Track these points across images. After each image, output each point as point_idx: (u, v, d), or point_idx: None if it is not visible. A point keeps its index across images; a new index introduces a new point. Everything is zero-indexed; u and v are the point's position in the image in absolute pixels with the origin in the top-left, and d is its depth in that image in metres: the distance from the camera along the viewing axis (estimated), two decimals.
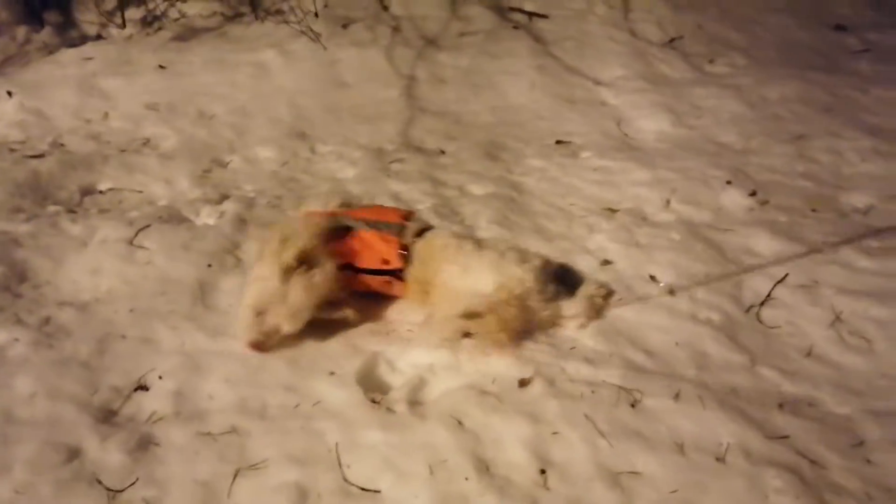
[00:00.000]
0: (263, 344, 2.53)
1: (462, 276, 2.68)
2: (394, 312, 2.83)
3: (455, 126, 4.81)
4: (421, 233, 2.86)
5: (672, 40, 5.65)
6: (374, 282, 2.82)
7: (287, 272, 2.53)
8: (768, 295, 2.87)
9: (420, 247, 2.79)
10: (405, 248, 2.78)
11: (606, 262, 3.13)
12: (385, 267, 2.77)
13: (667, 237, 3.24)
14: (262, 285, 2.54)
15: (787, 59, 5.35)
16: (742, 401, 2.31)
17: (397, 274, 2.77)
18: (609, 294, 2.86)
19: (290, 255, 2.53)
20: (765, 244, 3.19)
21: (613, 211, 3.57)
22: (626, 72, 5.21)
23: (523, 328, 2.60)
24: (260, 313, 2.52)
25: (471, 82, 5.24)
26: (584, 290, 2.80)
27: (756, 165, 3.90)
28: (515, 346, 2.54)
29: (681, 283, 2.91)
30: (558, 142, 4.49)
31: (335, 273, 2.63)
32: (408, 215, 2.96)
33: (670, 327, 2.68)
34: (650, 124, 4.56)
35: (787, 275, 2.95)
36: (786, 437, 2.15)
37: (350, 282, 2.76)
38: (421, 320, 2.71)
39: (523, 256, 2.76)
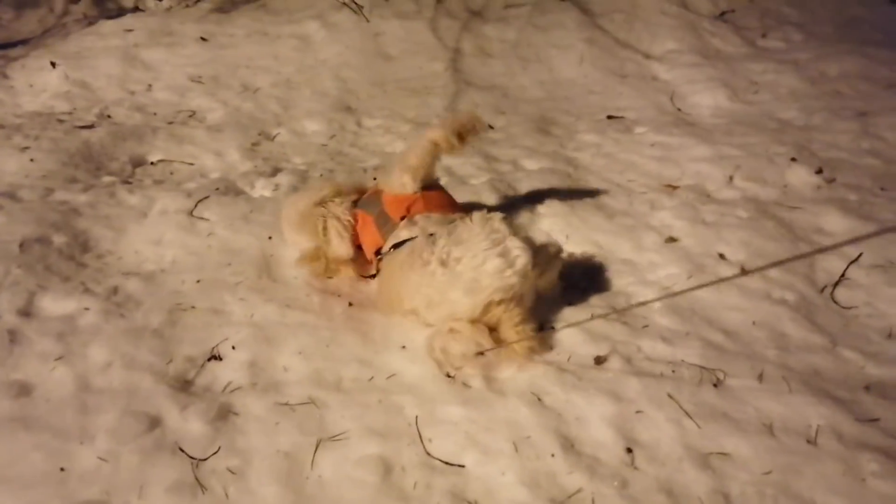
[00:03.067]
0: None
1: (433, 305, 2.41)
2: None
3: (503, 100, 4.73)
4: (401, 243, 2.60)
5: (723, 13, 5.50)
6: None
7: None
8: (842, 275, 2.79)
9: (385, 262, 2.64)
10: (380, 254, 2.71)
11: (672, 240, 3.06)
12: (369, 266, 2.83)
13: (734, 215, 3.16)
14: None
15: (845, 35, 5.18)
16: (827, 382, 2.26)
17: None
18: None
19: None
20: (836, 223, 3.10)
21: (674, 187, 3.49)
22: (677, 45, 5.08)
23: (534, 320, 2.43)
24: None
25: (518, 55, 5.14)
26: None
27: (820, 142, 3.79)
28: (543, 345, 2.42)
29: (753, 261, 2.84)
30: (610, 117, 4.40)
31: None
32: (409, 210, 2.71)
33: (746, 307, 2.62)
34: (706, 99, 4.45)
35: (861, 254, 2.87)
36: (876, 419, 2.10)
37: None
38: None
39: (507, 258, 2.36)
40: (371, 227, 2.76)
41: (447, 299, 2.38)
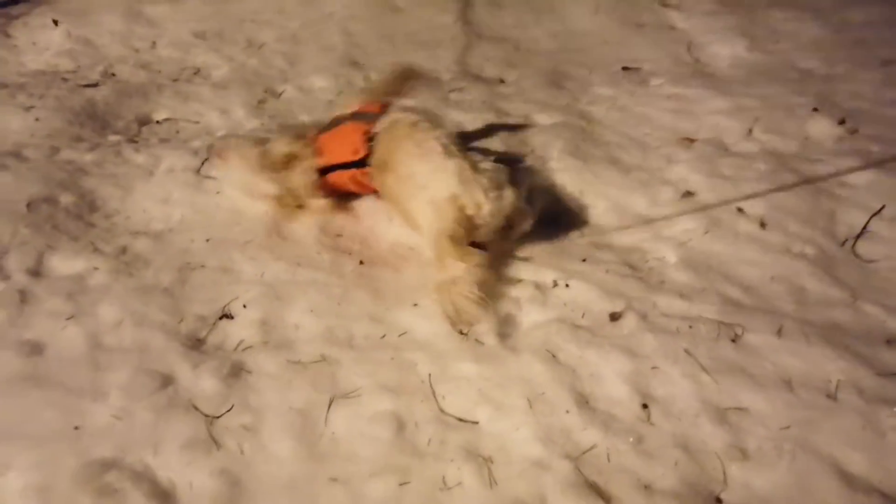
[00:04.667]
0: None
1: (419, 173, 2.46)
2: None
3: (514, 53, 4.59)
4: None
5: None
6: (346, 176, 2.78)
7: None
8: (864, 228, 2.72)
9: (384, 128, 2.66)
10: (371, 134, 2.70)
11: (688, 194, 2.99)
12: (355, 158, 2.71)
13: (753, 168, 3.08)
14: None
15: None
16: (847, 337, 2.21)
17: (365, 162, 2.71)
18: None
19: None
20: (857, 175, 3.00)
21: (691, 141, 3.39)
22: None
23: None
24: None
25: (530, 6, 4.98)
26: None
27: (843, 92, 3.66)
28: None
29: (773, 215, 2.77)
30: (625, 68, 4.28)
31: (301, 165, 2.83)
32: (386, 105, 2.84)
33: (764, 261, 2.57)
34: (724, 49, 4.30)
35: (883, 206, 2.79)
36: None
37: (325, 184, 2.84)
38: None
39: (497, 186, 2.42)
40: (346, 127, 2.78)
41: (430, 181, 2.42)
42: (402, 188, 2.52)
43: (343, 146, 2.76)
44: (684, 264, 2.58)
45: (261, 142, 3.01)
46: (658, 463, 1.85)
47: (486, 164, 2.51)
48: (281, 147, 2.89)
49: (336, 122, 2.92)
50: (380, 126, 2.69)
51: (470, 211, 2.37)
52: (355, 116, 2.84)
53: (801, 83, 3.79)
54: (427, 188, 2.43)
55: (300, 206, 2.86)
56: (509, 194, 2.44)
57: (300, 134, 2.96)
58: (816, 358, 2.11)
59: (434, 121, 2.69)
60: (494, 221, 2.44)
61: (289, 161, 2.86)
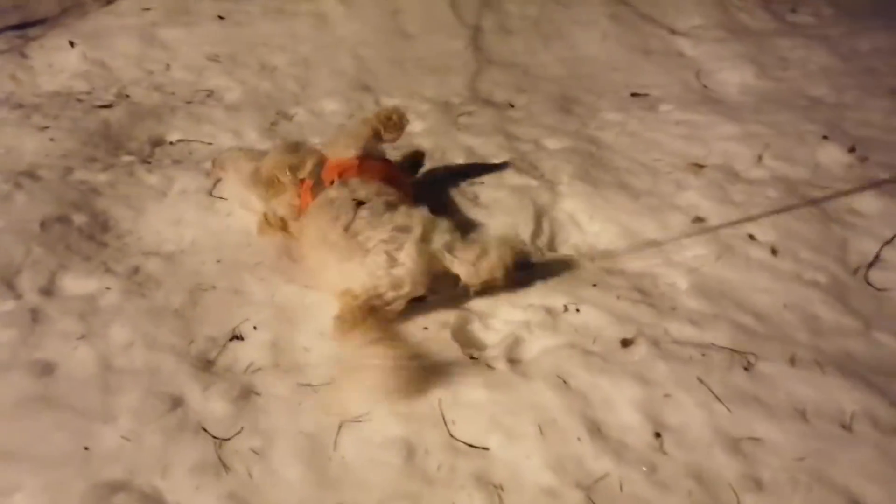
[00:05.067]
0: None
1: (322, 265, 2.52)
2: None
3: (524, 78, 4.64)
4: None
5: None
6: None
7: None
8: (876, 256, 2.71)
9: (306, 213, 2.71)
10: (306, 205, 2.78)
11: (699, 220, 2.99)
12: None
13: (764, 195, 3.08)
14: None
15: (877, 9, 5.02)
16: (861, 366, 2.19)
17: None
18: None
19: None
20: (868, 203, 3.00)
21: (701, 167, 3.40)
22: (704, 20, 4.94)
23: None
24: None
25: (539, 32, 5.03)
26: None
27: (852, 120, 3.67)
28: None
29: (784, 242, 2.76)
30: (634, 94, 4.31)
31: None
32: (342, 175, 2.75)
33: (776, 289, 2.55)
34: (733, 76, 4.33)
35: (895, 236, 2.78)
36: None
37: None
38: None
39: (391, 260, 2.35)
40: (308, 191, 2.82)
41: (331, 264, 2.44)
42: (320, 275, 2.57)
43: (305, 199, 2.84)
44: (696, 291, 2.57)
45: (258, 155, 3.07)
46: (671, 493, 1.83)
47: (383, 233, 2.40)
48: (269, 167, 2.92)
49: (317, 169, 2.90)
50: (314, 203, 2.70)
51: (369, 293, 2.32)
52: (315, 182, 2.81)
53: (811, 110, 3.81)
54: (330, 277, 2.47)
55: (284, 229, 2.89)
56: (409, 261, 2.34)
57: (295, 158, 2.95)
58: (830, 388, 2.09)
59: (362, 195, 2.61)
60: (406, 289, 2.36)
61: (274, 184, 2.91)
